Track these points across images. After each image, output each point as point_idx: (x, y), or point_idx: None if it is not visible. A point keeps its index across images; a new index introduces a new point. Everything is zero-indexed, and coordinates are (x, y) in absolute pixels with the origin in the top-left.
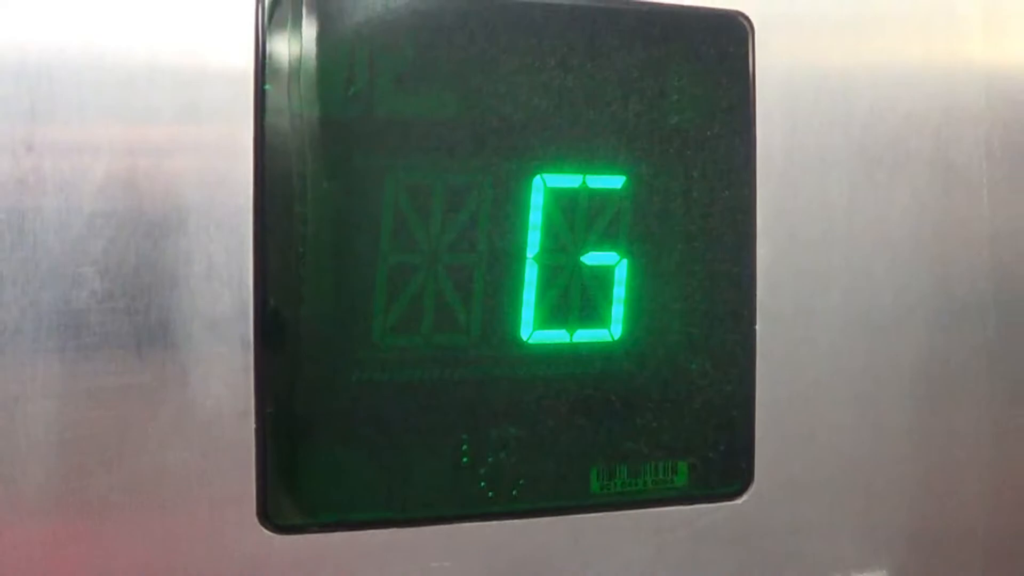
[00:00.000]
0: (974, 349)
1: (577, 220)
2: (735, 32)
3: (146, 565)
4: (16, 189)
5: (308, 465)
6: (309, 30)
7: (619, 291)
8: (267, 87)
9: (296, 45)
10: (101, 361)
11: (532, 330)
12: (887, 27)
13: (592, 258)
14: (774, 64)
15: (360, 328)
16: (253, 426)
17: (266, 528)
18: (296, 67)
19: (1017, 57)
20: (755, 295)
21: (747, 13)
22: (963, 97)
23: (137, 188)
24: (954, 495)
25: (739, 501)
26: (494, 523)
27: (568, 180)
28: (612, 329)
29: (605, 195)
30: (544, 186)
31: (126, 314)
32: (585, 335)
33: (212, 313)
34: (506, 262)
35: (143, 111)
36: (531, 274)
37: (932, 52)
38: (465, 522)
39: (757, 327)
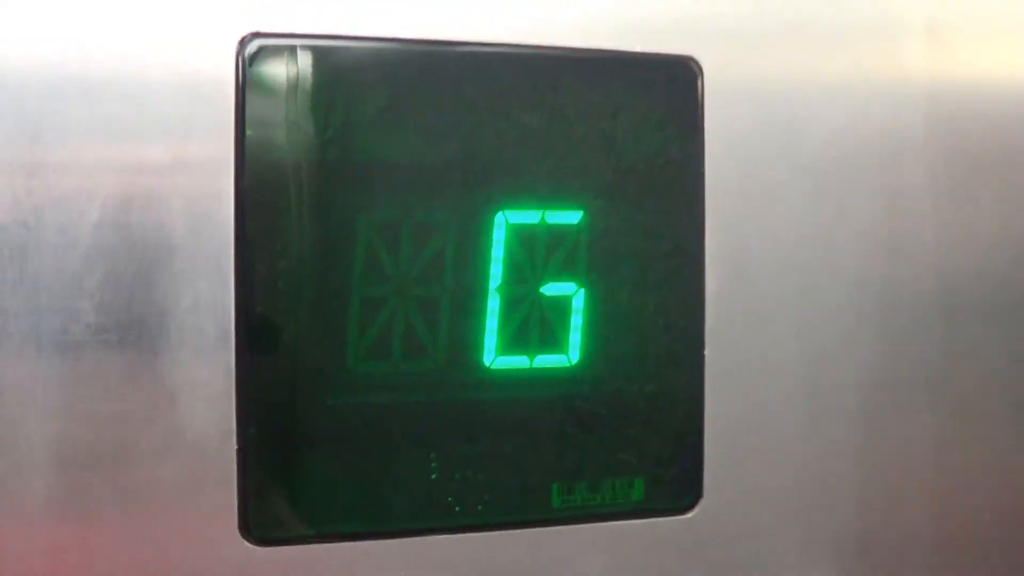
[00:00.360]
0: (919, 367)
1: (537, 253)
2: (685, 75)
3: (137, 574)
4: (19, 231)
5: (286, 482)
6: (286, 81)
7: (576, 319)
8: (248, 133)
9: (274, 95)
10: (96, 387)
11: (495, 356)
12: (829, 63)
13: (551, 289)
14: (723, 104)
15: (335, 355)
16: (235, 446)
17: (247, 540)
18: (274, 114)
19: (958, 79)
20: (704, 322)
21: (696, 57)
22: (906, 121)
23: (129, 230)
24: (900, 504)
25: (690, 515)
26: (461, 536)
27: (528, 216)
28: (570, 355)
29: (563, 230)
30: (505, 222)
31: (119, 345)
32: (544, 360)
33: (197, 343)
34: (470, 293)
35: (134, 159)
36: (493, 304)
37: (874, 81)
38: (434, 535)
39: (706, 352)
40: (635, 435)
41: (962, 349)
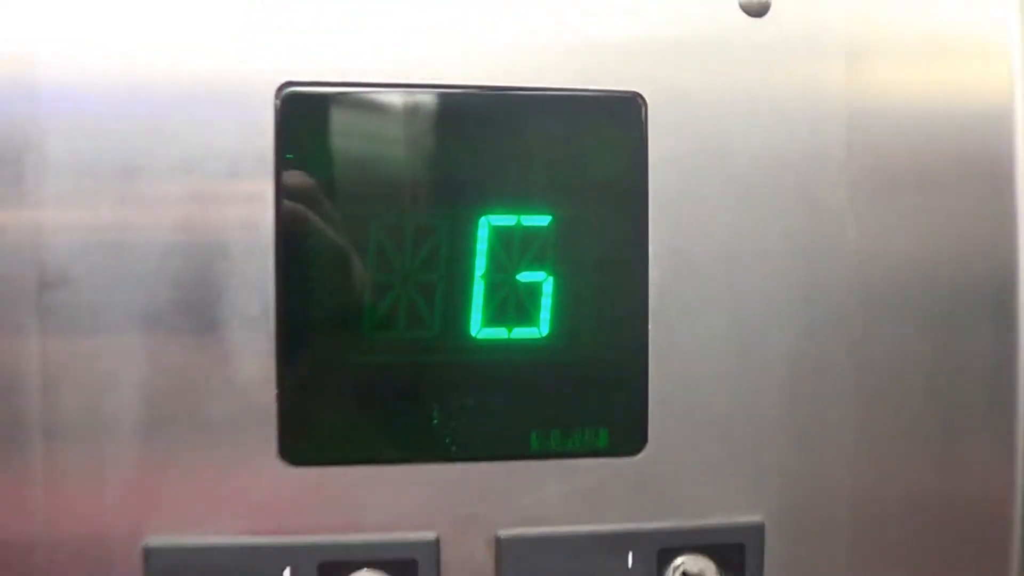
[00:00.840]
0: (836, 349)
1: (513, 249)
2: (633, 108)
3: (200, 489)
4: (119, 231)
5: (314, 419)
6: (313, 118)
7: (546, 301)
8: (287, 156)
9: (304, 129)
10: (172, 347)
11: (480, 328)
12: (756, 89)
13: (525, 276)
14: (663, 129)
15: (353, 325)
16: (275, 392)
17: (283, 462)
18: (305, 143)
19: (875, 100)
20: (648, 305)
21: (642, 93)
22: (827, 137)
23: (195, 230)
24: (822, 458)
25: (636, 457)
26: (455, 465)
27: (507, 220)
28: (541, 328)
29: (535, 231)
30: (488, 225)
31: (188, 315)
32: (520, 332)
33: (247, 314)
34: (460, 280)
35: (200, 180)
36: (479, 288)
37: (797, 103)
38: (433, 463)
39: (649, 327)
40: (593, 393)
41: (875, 339)
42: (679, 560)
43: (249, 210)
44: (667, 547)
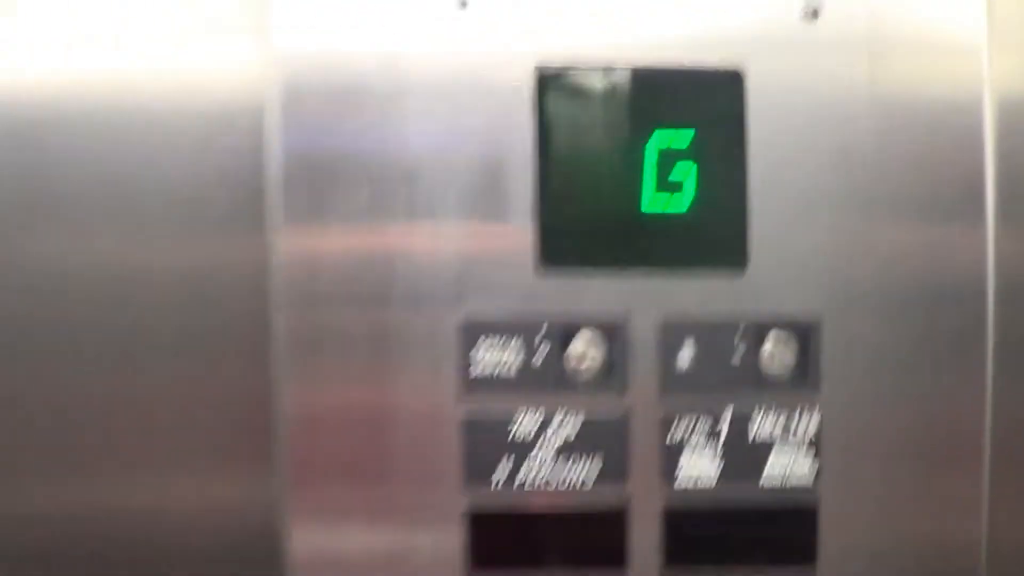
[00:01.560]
0: (864, 214)
1: (669, 159)
2: (738, 79)
3: (491, 285)
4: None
5: (558, 248)
6: (556, 89)
7: (689, 190)
8: (544, 117)
9: (551, 97)
10: (479, 198)
11: (648, 203)
12: (810, 70)
13: (675, 175)
14: (755, 92)
15: (578, 202)
16: (537, 232)
17: (539, 270)
18: (551, 106)
19: (887, 81)
20: (748, 189)
21: (741, 69)
22: (854, 102)
23: (485, 148)
24: (858, 275)
25: (744, 273)
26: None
27: (665, 142)
28: (683, 203)
29: (683, 149)
30: (655, 145)
31: (486, 196)
32: (672, 206)
33: (519, 195)
34: (637, 178)
35: (488, 126)
36: (649, 184)
37: (837, 80)
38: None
39: (749, 203)
40: (718, 240)
41: (879, 221)
42: (771, 334)
43: (509, 162)
44: (762, 324)
